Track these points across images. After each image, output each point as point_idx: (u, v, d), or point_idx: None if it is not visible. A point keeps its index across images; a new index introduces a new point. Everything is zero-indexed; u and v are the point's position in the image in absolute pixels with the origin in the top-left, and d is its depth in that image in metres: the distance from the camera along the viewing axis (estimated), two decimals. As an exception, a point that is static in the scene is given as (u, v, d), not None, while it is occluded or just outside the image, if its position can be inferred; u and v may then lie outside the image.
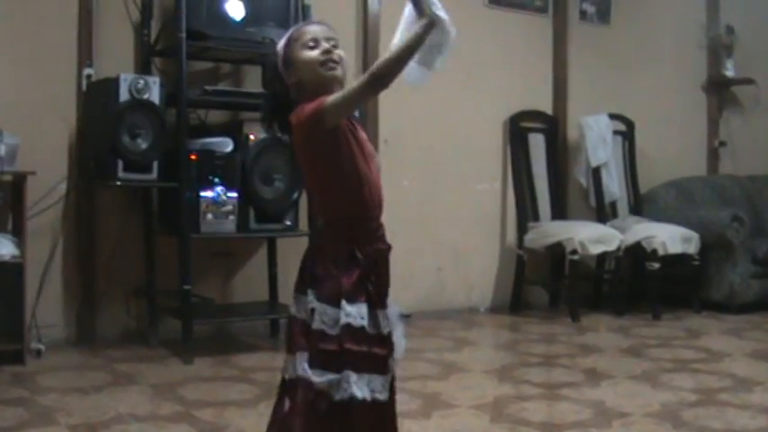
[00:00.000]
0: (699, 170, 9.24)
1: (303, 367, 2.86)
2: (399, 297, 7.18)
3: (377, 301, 2.92)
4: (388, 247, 3.07)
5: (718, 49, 9.37)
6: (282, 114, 2.95)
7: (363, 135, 3.01)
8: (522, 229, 7.81)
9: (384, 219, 3.03)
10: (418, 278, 7.39)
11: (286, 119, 2.92)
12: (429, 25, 2.76)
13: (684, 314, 7.55)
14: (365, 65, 6.94)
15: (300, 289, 2.97)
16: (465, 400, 4.80)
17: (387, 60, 2.74)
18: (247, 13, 5.96)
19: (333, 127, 2.82)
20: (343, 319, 2.83)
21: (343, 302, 2.84)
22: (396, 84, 2.75)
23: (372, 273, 2.94)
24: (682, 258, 7.55)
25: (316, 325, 2.86)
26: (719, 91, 9.47)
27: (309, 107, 2.81)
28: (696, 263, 7.64)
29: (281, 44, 2.97)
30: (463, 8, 7.59)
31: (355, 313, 2.84)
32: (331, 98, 2.79)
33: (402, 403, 3.01)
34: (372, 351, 2.87)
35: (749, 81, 9.35)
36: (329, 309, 2.86)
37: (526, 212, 7.89)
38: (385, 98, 6.84)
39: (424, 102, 7.20)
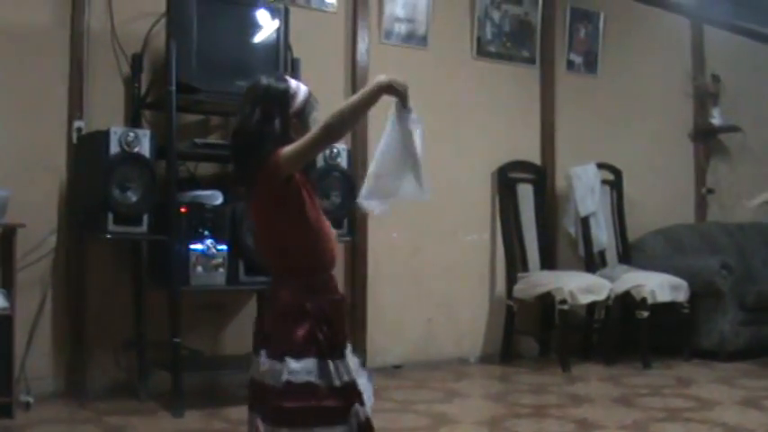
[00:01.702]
0: (687, 218, 9.27)
1: (257, 425, 2.99)
2: (389, 348, 7.24)
3: (329, 352, 3.00)
4: (342, 298, 3.20)
5: (704, 98, 9.44)
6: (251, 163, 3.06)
7: (318, 201, 3.19)
8: (511, 280, 7.81)
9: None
10: (408, 329, 7.38)
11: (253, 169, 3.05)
12: (379, 89, 2.93)
13: (674, 362, 7.54)
14: (354, 117, 6.93)
15: (255, 349, 3.08)
16: (456, 452, 4.80)
17: (338, 114, 2.91)
18: (236, 66, 5.99)
19: (289, 176, 2.99)
20: (285, 377, 2.93)
21: (288, 359, 2.94)
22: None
23: (323, 324, 3.01)
24: (671, 306, 7.56)
25: (268, 381, 2.98)
26: (706, 139, 9.52)
27: (270, 159, 2.97)
28: (685, 311, 7.64)
29: (300, 94, 3.16)
30: (452, 60, 7.69)
31: (299, 369, 2.93)
32: (287, 147, 2.96)
33: (393, 456, 3.01)
34: (322, 405, 2.95)
35: (735, 129, 9.42)
36: (277, 365, 2.96)
37: (515, 263, 7.90)
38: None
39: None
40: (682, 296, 7.58)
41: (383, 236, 7.15)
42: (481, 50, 7.95)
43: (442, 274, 7.61)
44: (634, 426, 5.45)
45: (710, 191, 9.54)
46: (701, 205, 9.54)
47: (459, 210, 7.69)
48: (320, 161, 6.10)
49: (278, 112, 3.08)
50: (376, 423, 3.09)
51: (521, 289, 7.67)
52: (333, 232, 3.24)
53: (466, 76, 7.79)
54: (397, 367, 7.12)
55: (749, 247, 8.93)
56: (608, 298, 7.48)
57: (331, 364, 2.98)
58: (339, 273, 6.85)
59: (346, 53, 7.17)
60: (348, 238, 6.52)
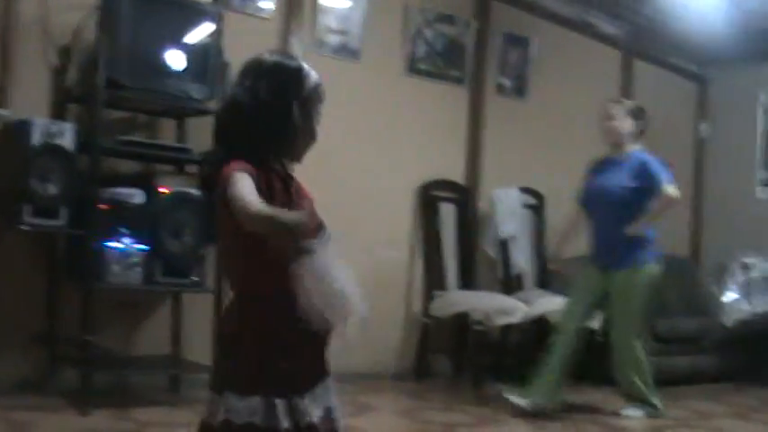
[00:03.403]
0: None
1: None
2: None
3: (282, 390, 2.61)
4: (315, 333, 2.70)
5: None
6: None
7: (290, 195, 2.74)
8: (428, 298, 7.82)
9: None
10: (323, 341, 7.33)
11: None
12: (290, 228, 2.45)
13: (586, 388, 7.57)
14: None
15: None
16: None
17: (247, 211, 2.42)
18: (166, 65, 5.94)
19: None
20: (222, 415, 2.56)
21: (228, 394, 2.57)
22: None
23: (281, 355, 2.61)
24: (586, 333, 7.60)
25: (205, 417, 2.63)
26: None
27: (227, 170, 2.53)
28: (599, 338, 7.69)
29: (311, 78, 2.77)
30: (383, 75, 7.68)
31: (241, 408, 2.55)
32: (234, 185, 2.48)
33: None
34: None
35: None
36: (216, 398, 2.60)
37: (433, 281, 7.91)
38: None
39: (335, 165, 7.22)
40: (596, 323, 7.62)
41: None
42: (412, 67, 7.97)
43: (359, 289, 7.57)
44: (543, 448, 5.49)
45: (630, 222, 9.61)
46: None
47: (380, 225, 7.68)
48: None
49: (291, 91, 2.71)
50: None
51: (437, 307, 7.68)
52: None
53: (395, 92, 7.80)
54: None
55: (665, 279, 8.99)
56: (523, 321, 7.51)
57: (280, 405, 2.57)
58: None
59: (278, 60, 7.13)
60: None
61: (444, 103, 8.21)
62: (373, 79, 7.63)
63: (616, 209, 6.51)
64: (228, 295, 2.81)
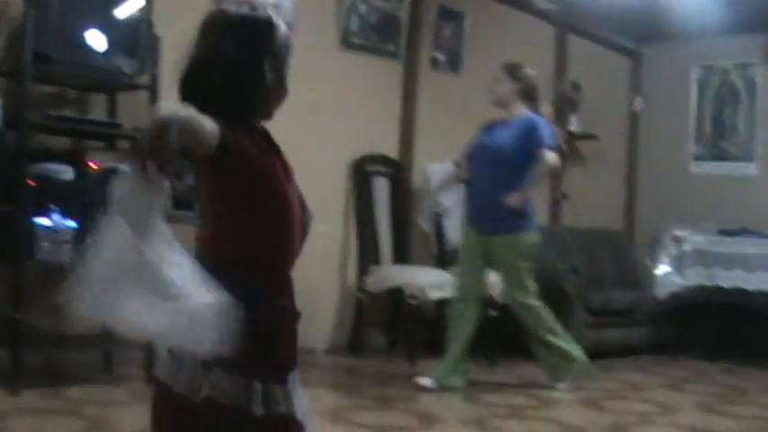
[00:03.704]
0: (541, 221, 9.37)
1: None
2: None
3: (260, 372, 2.36)
4: (295, 309, 2.52)
5: (563, 105, 9.59)
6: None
7: (282, 165, 2.66)
8: (362, 272, 7.82)
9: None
10: (257, 316, 7.30)
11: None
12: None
13: (520, 362, 7.61)
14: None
15: None
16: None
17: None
18: (95, 40, 5.87)
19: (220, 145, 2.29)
20: (205, 391, 2.31)
21: (218, 371, 2.30)
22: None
23: (269, 340, 2.40)
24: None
25: (180, 389, 2.36)
26: (563, 145, 9.67)
27: None
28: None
29: (281, 30, 2.53)
30: (316, 48, 7.63)
31: (229, 389, 2.31)
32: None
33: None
34: None
35: (592, 136, 9.59)
36: (200, 373, 2.32)
37: (368, 255, 7.91)
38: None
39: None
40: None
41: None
42: (346, 41, 7.94)
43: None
44: (475, 421, 5.52)
45: (565, 196, 9.69)
46: (556, 209, 9.69)
47: (313, 200, 7.59)
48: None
49: (261, 47, 2.50)
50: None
51: (372, 282, 7.69)
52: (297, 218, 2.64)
53: (329, 66, 7.75)
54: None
55: (598, 252, 9.12)
56: (458, 295, 7.53)
57: (259, 387, 2.33)
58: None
59: (210, 35, 7.06)
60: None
61: (378, 77, 8.20)
62: (306, 53, 7.47)
63: (498, 167, 6.52)
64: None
